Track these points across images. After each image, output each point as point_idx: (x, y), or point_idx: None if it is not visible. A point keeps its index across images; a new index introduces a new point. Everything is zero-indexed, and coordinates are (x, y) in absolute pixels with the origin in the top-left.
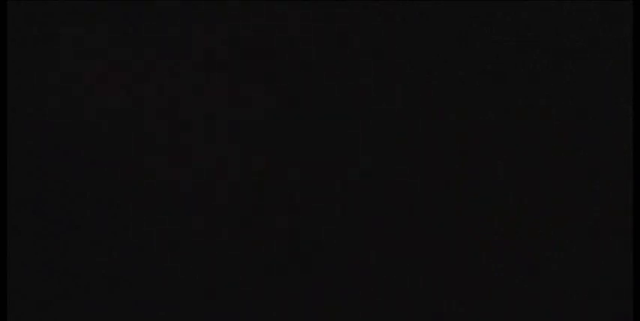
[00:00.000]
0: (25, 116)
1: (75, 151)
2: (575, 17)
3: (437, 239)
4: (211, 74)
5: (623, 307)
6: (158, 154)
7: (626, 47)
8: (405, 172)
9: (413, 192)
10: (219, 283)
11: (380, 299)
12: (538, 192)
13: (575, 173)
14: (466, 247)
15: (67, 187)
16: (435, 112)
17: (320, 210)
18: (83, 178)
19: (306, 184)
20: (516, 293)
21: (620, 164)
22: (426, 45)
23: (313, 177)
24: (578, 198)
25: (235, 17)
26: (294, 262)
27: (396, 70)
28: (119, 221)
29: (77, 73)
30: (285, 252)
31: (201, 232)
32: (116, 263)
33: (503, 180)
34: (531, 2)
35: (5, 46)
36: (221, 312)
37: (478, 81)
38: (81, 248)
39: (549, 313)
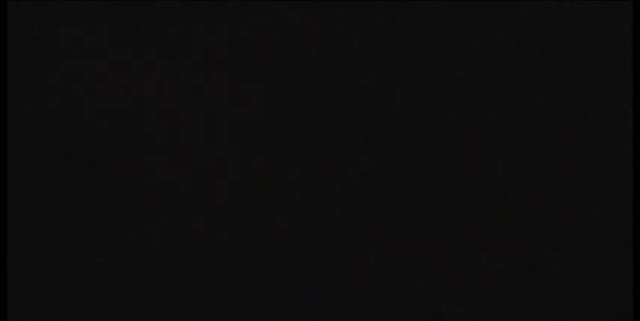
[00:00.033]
0: (25, 116)
1: (75, 151)
2: (575, 17)
3: (437, 239)
4: (211, 74)
5: (623, 307)
6: (158, 154)
7: (626, 47)
8: (405, 172)
9: (413, 192)
10: (219, 283)
11: (380, 299)
12: (538, 192)
13: (575, 173)
14: (466, 247)
15: (67, 187)
16: (435, 112)
17: (320, 210)
18: (83, 178)
19: (306, 184)
20: (516, 293)
21: (620, 164)
22: (426, 45)
23: (313, 177)
24: (578, 198)
25: (235, 17)
26: (294, 262)
27: (396, 70)
28: (119, 221)
29: (77, 73)
30: (285, 252)
31: (201, 232)
32: (116, 263)
33: (503, 180)
34: (531, 2)
35: (5, 46)
36: (221, 312)
37: (478, 81)
38: (81, 248)
39: (549, 313)
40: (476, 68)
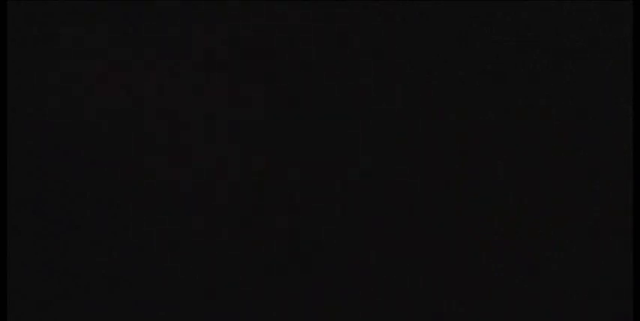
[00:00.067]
0: (25, 116)
1: (75, 151)
2: (575, 17)
3: (437, 239)
4: (211, 74)
5: (623, 307)
6: (158, 154)
7: (626, 47)
8: (405, 172)
9: (413, 192)
10: (219, 283)
11: (380, 299)
12: (538, 192)
13: (575, 173)
14: (466, 247)
15: (67, 187)
16: (435, 112)
17: (320, 210)
18: (83, 178)
19: (306, 184)
20: (516, 293)
21: (620, 164)
22: (426, 45)
23: (313, 177)
24: (578, 198)
25: (235, 17)
26: (294, 262)
27: (396, 70)
28: (119, 221)
29: (77, 73)
30: (285, 252)
31: (201, 232)
32: (116, 263)
33: (503, 180)
34: (531, 2)
35: (5, 46)
36: (221, 312)
37: (478, 81)
38: (81, 248)
39: (549, 313)
40: (476, 68)
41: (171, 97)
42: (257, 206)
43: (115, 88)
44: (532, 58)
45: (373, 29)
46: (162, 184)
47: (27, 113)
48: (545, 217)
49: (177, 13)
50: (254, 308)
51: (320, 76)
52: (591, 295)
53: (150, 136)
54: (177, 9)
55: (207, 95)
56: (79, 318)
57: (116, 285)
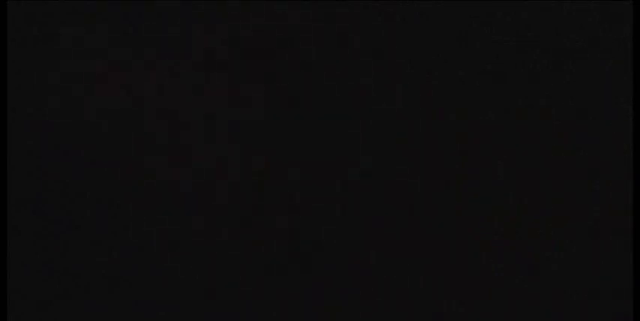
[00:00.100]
0: (25, 116)
1: (75, 151)
2: (575, 17)
3: (437, 239)
4: (211, 74)
5: (623, 307)
6: (158, 154)
7: (626, 47)
8: (405, 172)
9: (413, 192)
10: (219, 283)
11: (380, 299)
12: (538, 192)
13: (575, 173)
14: (466, 247)
15: (67, 187)
16: (435, 112)
17: (320, 210)
18: (83, 178)
19: (306, 184)
20: (516, 293)
21: (620, 164)
22: (426, 45)
23: (313, 177)
24: (578, 198)
25: (235, 17)
26: (294, 262)
27: (396, 70)
28: (119, 221)
29: (77, 73)
30: (285, 252)
31: (201, 232)
32: (116, 263)
33: (503, 180)
34: (531, 2)
35: (5, 46)
36: (221, 312)
37: (478, 81)
38: (81, 248)
39: (549, 313)
40: (476, 68)
41: (171, 97)
42: (257, 206)
43: (115, 88)
44: (532, 58)
45: (373, 29)
46: (162, 184)
47: (27, 113)
48: (545, 217)
49: (177, 13)
50: (254, 308)
51: (320, 76)
52: (591, 295)
53: (150, 136)
54: (177, 9)
55: (207, 95)
56: (79, 318)
57: (116, 285)
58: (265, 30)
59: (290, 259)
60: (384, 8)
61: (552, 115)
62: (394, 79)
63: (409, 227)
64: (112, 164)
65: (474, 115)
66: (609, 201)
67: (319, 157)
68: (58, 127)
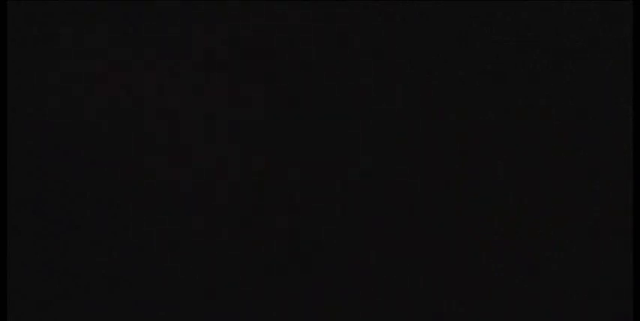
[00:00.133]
0: (25, 116)
1: (75, 151)
2: (575, 17)
3: (437, 239)
4: (211, 74)
5: (623, 307)
6: (158, 154)
7: (626, 47)
8: (405, 172)
9: (413, 192)
10: (219, 283)
11: (380, 299)
12: (538, 192)
13: (575, 173)
14: (466, 247)
15: (67, 187)
16: (435, 112)
17: (320, 210)
18: (83, 178)
19: (306, 184)
20: (516, 293)
21: (620, 164)
22: (426, 45)
23: (313, 177)
24: (578, 198)
25: (235, 17)
26: (294, 262)
27: (396, 70)
28: (119, 221)
29: (77, 73)
30: (285, 252)
31: (201, 232)
32: (116, 263)
33: (503, 180)
34: (531, 2)
35: (5, 46)
36: (221, 312)
37: (478, 81)
38: (81, 248)
39: (549, 313)
40: (476, 68)
41: (171, 97)
42: (257, 206)
43: (115, 88)
44: (532, 58)
45: (373, 29)
46: (162, 184)
47: (27, 113)
48: (545, 217)
49: (177, 13)
50: (254, 308)
51: (320, 76)
52: (591, 295)
53: (150, 136)
54: (177, 9)
55: (207, 95)
56: (79, 318)
57: (116, 285)
58: (265, 30)
59: (290, 259)
60: (384, 8)
61: (552, 115)
62: (394, 79)
63: (409, 227)
64: (112, 164)
65: (474, 115)
66: (609, 201)
67: (319, 157)
68: (58, 127)
